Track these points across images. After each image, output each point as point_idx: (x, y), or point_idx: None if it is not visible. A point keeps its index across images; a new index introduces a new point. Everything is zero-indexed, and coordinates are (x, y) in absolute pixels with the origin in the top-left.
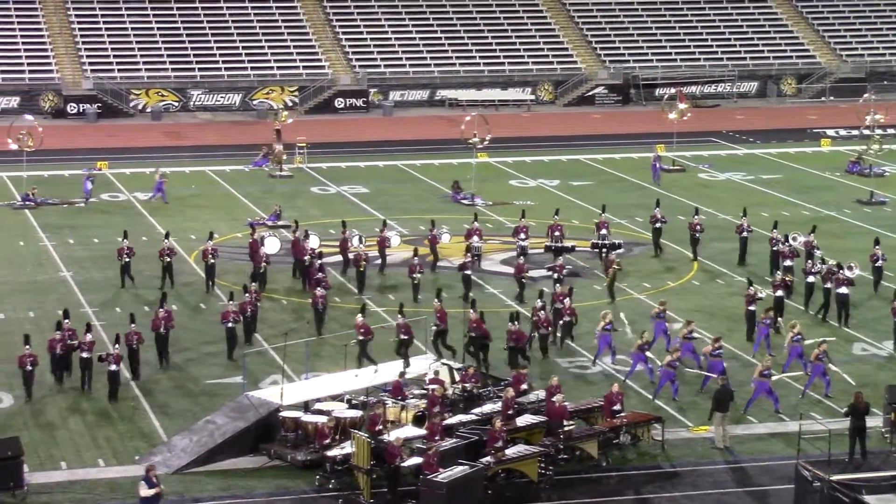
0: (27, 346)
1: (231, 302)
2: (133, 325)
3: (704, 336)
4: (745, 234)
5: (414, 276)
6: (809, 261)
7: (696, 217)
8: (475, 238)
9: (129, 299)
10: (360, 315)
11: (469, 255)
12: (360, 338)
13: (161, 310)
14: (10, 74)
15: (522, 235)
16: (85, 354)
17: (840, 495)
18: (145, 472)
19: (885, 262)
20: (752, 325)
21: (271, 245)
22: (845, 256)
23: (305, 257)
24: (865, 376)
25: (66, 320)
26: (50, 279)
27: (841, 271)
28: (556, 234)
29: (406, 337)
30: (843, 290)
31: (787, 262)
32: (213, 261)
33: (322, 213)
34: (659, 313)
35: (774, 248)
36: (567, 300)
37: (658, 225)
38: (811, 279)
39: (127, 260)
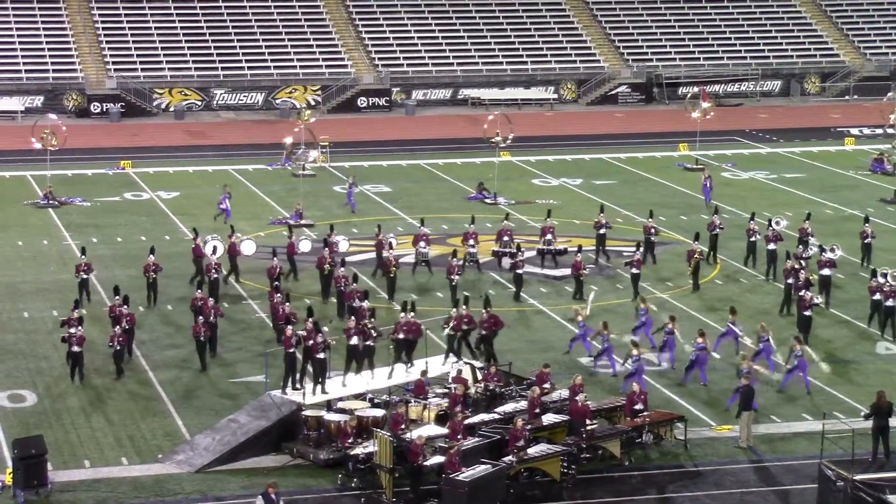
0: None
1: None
2: (117, 328)
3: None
4: (754, 238)
5: (452, 276)
6: (800, 246)
7: (714, 216)
8: (471, 241)
9: (172, 299)
10: (402, 313)
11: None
12: (402, 336)
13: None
14: (34, 73)
15: (549, 236)
16: (76, 348)
17: (863, 495)
18: (264, 489)
19: (874, 238)
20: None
21: (247, 249)
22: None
23: (325, 265)
24: (889, 375)
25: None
26: (73, 278)
27: (824, 253)
28: (548, 237)
29: (405, 336)
30: (826, 271)
31: (772, 246)
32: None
33: (345, 212)
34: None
35: (752, 240)
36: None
37: (715, 232)
38: (825, 271)
39: (84, 277)
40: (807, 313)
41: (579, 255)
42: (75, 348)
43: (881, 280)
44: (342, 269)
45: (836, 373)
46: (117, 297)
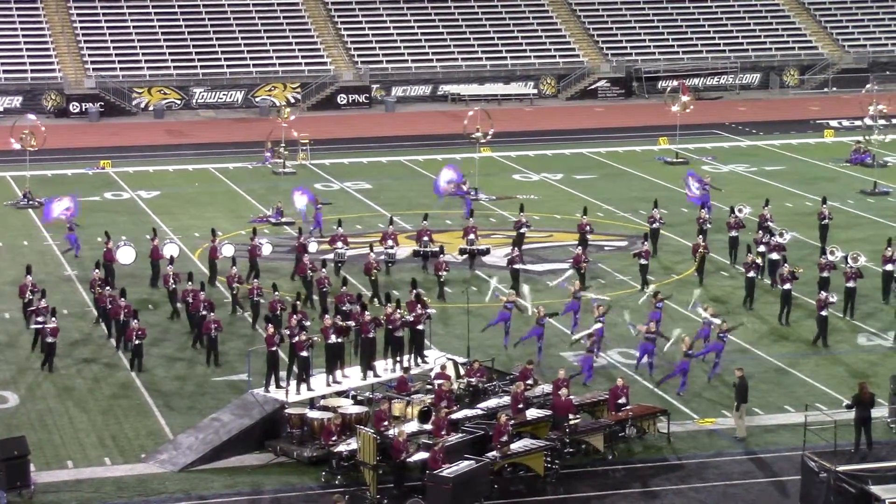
0: (135, 321)
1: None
2: (136, 322)
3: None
4: (734, 231)
5: (440, 273)
6: (761, 231)
7: (702, 211)
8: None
9: (133, 300)
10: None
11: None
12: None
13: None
14: (13, 74)
15: (472, 236)
16: (49, 339)
17: (846, 486)
18: None
19: (832, 220)
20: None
21: (125, 255)
22: (849, 246)
23: (307, 272)
24: (871, 366)
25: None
26: (54, 278)
27: (773, 237)
28: (425, 238)
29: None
30: (774, 255)
31: (733, 233)
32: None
33: (327, 209)
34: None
35: (704, 228)
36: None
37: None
38: (762, 249)
39: (30, 298)
40: (823, 313)
41: (580, 248)
42: (49, 339)
43: (738, 215)
44: (323, 270)
45: (818, 364)
46: (122, 299)
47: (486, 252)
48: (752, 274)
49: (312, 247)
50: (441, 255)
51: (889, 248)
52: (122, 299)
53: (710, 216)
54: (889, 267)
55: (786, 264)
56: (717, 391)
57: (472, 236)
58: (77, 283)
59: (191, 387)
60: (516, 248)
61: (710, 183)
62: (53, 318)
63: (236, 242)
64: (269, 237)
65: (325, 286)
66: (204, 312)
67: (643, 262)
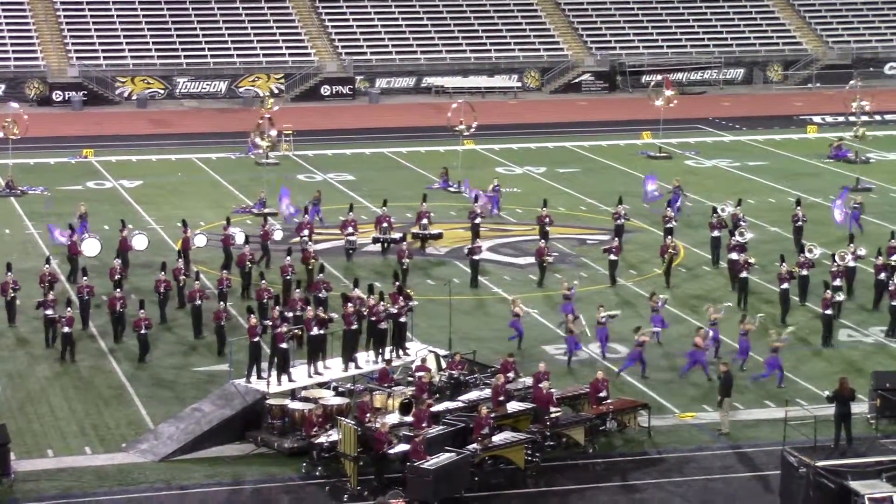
0: (142, 311)
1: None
2: (143, 312)
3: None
4: (716, 231)
5: (403, 261)
6: (736, 231)
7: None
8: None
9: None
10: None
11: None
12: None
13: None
14: None
15: (425, 221)
16: (66, 329)
17: (825, 481)
18: None
19: (805, 222)
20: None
21: (140, 242)
22: (831, 243)
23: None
24: (852, 363)
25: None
26: (36, 267)
27: (732, 237)
28: (384, 224)
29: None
30: (733, 255)
31: (715, 233)
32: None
33: (308, 200)
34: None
35: (669, 227)
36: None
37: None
38: (733, 255)
39: (13, 296)
40: (828, 312)
41: (543, 241)
42: (66, 329)
43: (721, 214)
44: (288, 258)
45: (799, 360)
46: (118, 290)
47: (439, 236)
48: (785, 286)
49: (277, 235)
50: (404, 242)
51: (880, 257)
52: (118, 290)
53: (676, 215)
54: (883, 276)
55: (784, 263)
56: (697, 387)
57: (424, 221)
58: (59, 271)
59: (171, 376)
60: (477, 239)
61: (681, 186)
62: (68, 309)
63: (210, 233)
64: (249, 227)
65: (289, 274)
66: (199, 302)
67: (613, 257)
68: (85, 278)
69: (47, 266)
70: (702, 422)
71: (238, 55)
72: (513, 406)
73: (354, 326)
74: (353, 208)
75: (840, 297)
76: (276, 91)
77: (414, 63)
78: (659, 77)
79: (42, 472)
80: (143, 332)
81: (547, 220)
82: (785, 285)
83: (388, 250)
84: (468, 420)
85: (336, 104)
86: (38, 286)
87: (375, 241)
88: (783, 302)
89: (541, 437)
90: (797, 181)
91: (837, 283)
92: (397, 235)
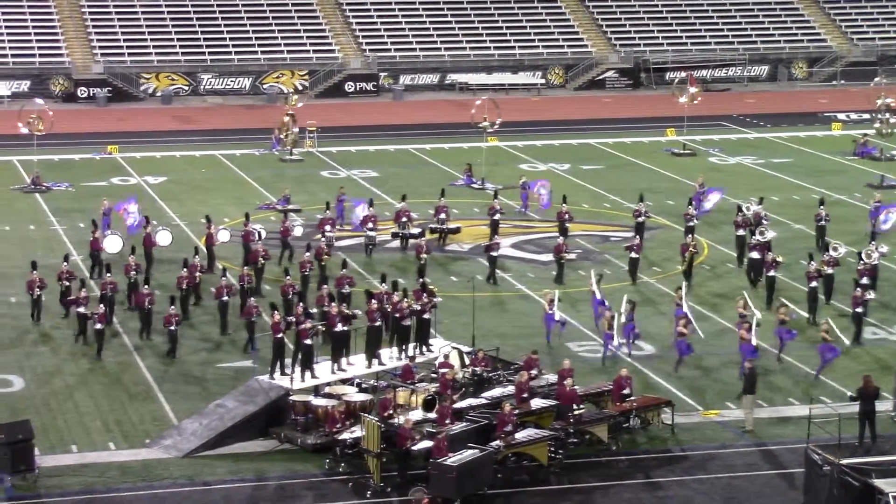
0: (172, 307)
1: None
2: (173, 308)
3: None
4: (741, 230)
5: (421, 256)
6: (756, 231)
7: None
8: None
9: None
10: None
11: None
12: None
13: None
14: (21, 58)
15: (443, 215)
16: (98, 326)
17: (850, 479)
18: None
19: (829, 221)
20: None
21: (163, 238)
22: (856, 239)
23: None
24: (878, 360)
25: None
26: (60, 263)
27: (753, 236)
28: (404, 219)
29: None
30: (754, 254)
31: (740, 232)
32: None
33: (332, 197)
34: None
35: (690, 225)
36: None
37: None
38: (754, 255)
39: (38, 294)
40: (858, 310)
41: (561, 238)
42: (98, 325)
43: (745, 213)
44: (307, 254)
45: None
46: (146, 286)
47: (457, 231)
48: (814, 284)
49: (298, 231)
50: (422, 237)
51: None
52: (146, 287)
53: (697, 213)
54: None
55: (812, 261)
56: (721, 383)
57: (442, 215)
58: (83, 267)
59: (196, 373)
60: (496, 236)
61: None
62: (100, 305)
63: (233, 229)
64: (271, 224)
65: (307, 269)
66: (227, 299)
67: (634, 255)
68: (108, 275)
69: (65, 264)
70: (725, 419)
71: (262, 52)
72: (536, 403)
73: (378, 323)
74: (373, 203)
75: (871, 294)
76: (301, 87)
77: (438, 60)
78: (683, 74)
79: (66, 468)
80: (172, 327)
81: (566, 216)
82: (813, 283)
83: (406, 246)
84: (491, 417)
85: (360, 101)
86: (56, 283)
87: (394, 235)
88: (811, 300)
89: (564, 434)
90: (822, 178)
91: (865, 281)
92: (416, 230)
